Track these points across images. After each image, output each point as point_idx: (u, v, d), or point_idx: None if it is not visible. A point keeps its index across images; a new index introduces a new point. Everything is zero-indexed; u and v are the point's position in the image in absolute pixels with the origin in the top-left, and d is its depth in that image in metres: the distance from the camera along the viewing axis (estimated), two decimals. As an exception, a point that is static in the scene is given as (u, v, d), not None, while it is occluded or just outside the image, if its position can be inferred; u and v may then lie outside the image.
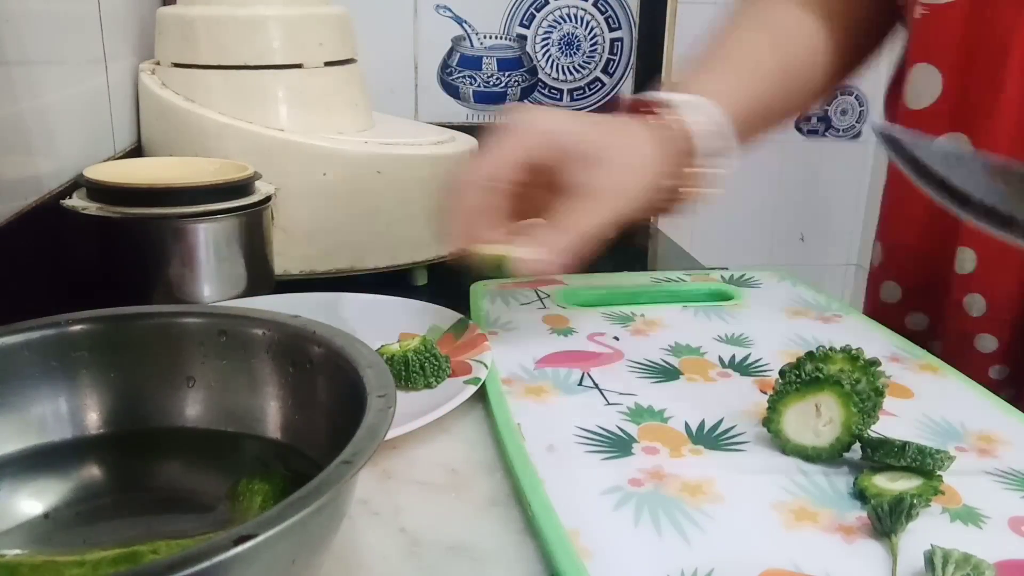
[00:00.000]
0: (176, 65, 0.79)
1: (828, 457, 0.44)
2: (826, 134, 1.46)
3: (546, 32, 1.20)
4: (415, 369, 0.51)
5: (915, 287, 0.69)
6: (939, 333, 0.67)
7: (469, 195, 0.52)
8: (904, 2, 0.67)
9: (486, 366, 0.53)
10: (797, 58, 0.67)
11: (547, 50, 1.20)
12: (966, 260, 0.63)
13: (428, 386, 0.52)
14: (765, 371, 0.55)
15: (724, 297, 0.69)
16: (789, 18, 0.68)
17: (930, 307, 0.68)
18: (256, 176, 0.67)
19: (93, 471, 0.41)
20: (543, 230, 0.52)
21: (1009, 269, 0.62)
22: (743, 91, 0.63)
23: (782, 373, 0.45)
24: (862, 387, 0.43)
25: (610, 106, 0.56)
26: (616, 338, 0.59)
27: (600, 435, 0.46)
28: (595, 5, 1.19)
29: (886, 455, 0.42)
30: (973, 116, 0.62)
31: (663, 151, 0.56)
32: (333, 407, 0.40)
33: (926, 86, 0.63)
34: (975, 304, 0.63)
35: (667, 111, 0.58)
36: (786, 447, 0.45)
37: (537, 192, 0.53)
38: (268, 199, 0.67)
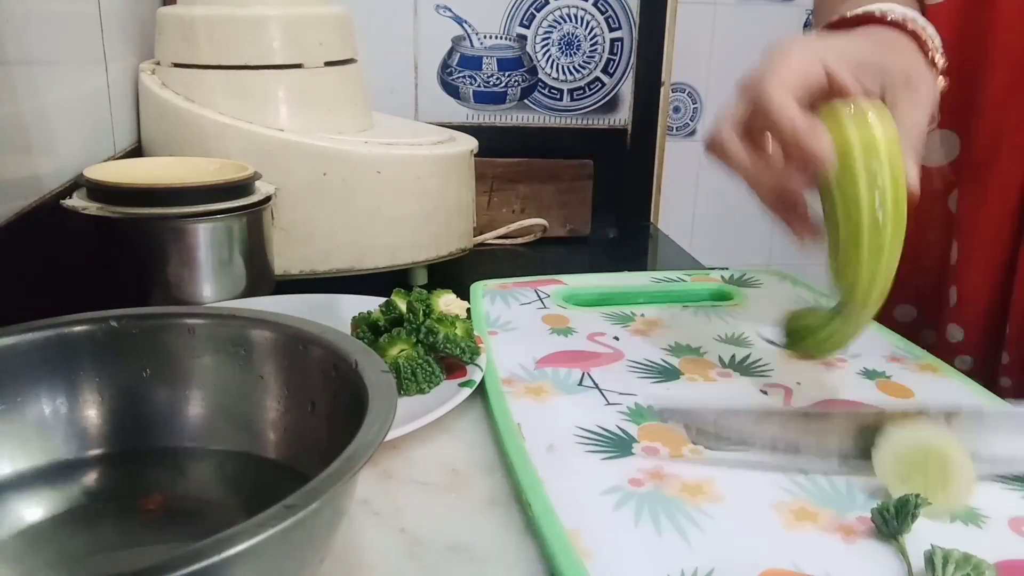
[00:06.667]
0: (176, 65, 0.79)
1: None
2: (826, 134, 1.46)
3: (546, 32, 1.20)
4: (407, 376, 0.51)
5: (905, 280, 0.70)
6: (928, 324, 0.69)
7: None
8: None
9: (480, 368, 0.53)
10: None
11: (547, 50, 1.20)
12: (954, 251, 0.64)
13: (421, 392, 0.51)
14: (765, 371, 0.55)
15: (724, 297, 0.69)
16: None
17: (920, 298, 0.70)
18: (256, 176, 0.67)
19: (93, 476, 0.41)
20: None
21: (979, 263, 0.64)
22: None
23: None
24: None
25: (849, 21, 0.54)
26: (616, 338, 0.59)
27: (600, 435, 0.46)
28: (595, 5, 1.19)
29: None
30: (960, 113, 0.63)
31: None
32: (333, 408, 0.40)
33: None
34: (952, 296, 0.65)
35: (912, 24, 0.53)
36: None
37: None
38: (268, 199, 0.67)
